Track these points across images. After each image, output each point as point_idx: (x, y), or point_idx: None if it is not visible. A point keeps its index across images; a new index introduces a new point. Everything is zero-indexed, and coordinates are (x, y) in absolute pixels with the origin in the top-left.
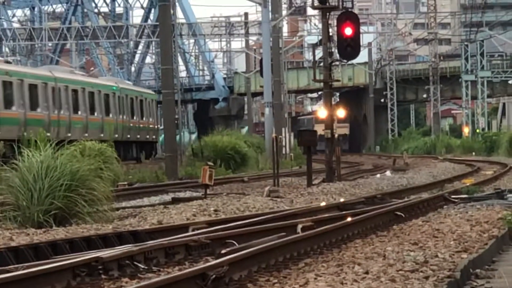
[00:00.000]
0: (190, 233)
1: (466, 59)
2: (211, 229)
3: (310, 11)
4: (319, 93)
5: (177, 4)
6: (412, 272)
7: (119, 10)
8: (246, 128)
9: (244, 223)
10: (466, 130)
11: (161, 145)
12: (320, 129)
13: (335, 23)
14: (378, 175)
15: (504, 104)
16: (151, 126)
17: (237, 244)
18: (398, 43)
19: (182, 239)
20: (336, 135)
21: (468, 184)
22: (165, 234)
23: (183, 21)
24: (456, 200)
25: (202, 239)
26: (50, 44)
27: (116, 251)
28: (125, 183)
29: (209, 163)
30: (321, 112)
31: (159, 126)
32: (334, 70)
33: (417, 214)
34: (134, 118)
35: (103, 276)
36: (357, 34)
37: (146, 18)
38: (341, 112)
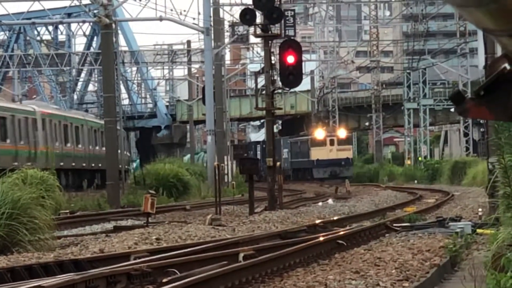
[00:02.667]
0: (132, 261)
1: (409, 87)
2: (153, 258)
3: (252, 39)
4: (262, 121)
5: (119, 32)
6: None
7: (61, 38)
8: (188, 156)
9: (186, 251)
10: (408, 160)
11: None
12: (318, 153)
13: (278, 51)
14: (320, 203)
15: (446, 132)
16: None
17: (178, 273)
18: (340, 71)
19: (124, 268)
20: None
21: (410, 212)
22: (107, 262)
23: (126, 49)
24: (398, 228)
25: (143, 267)
26: None
27: (58, 280)
28: (67, 211)
29: (151, 191)
30: (319, 132)
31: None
32: (277, 98)
33: (359, 242)
34: (97, 147)
35: None
36: (299, 62)
37: (88, 46)
38: (342, 132)
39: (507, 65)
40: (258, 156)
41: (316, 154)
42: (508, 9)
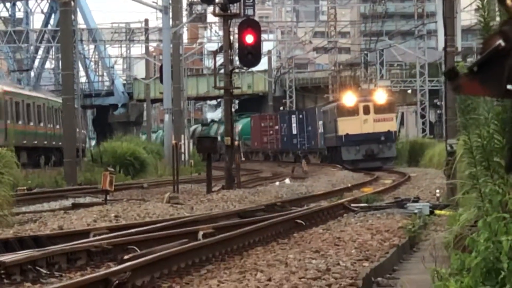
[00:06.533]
0: (92, 238)
1: (366, 68)
2: (113, 235)
3: (210, 18)
4: (219, 100)
5: (77, 9)
6: (315, 280)
7: (19, 14)
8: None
9: (145, 229)
10: None
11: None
12: (348, 126)
13: (236, 31)
14: (277, 183)
15: (402, 113)
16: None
17: (139, 250)
18: (298, 51)
19: (84, 245)
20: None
21: (367, 193)
22: (66, 239)
23: (83, 26)
24: (356, 209)
25: (104, 244)
26: None
27: (18, 256)
28: (24, 188)
29: (110, 168)
30: (348, 97)
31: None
32: (234, 78)
33: (317, 222)
34: (41, 124)
35: (5, 281)
36: (258, 42)
37: (46, 23)
38: (380, 96)
39: (501, 42)
40: (294, 130)
41: (345, 127)
42: None
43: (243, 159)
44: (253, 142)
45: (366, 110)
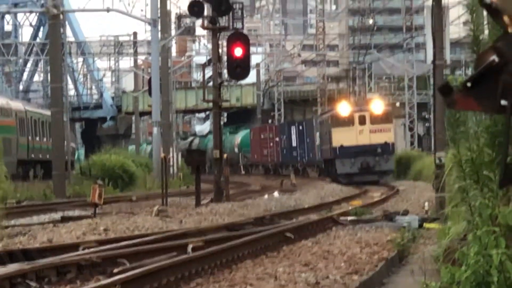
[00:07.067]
0: (81, 251)
1: (354, 81)
2: (102, 248)
3: (199, 31)
4: (207, 113)
5: (66, 22)
6: None
7: (8, 27)
8: (133, 146)
9: (134, 242)
10: None
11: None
12: (343, 137)
13: (224, 44)
14: (266, 196)
15: None
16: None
17: (128, 264)
18: (286, 64)
19: (74, 258)
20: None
21: (356, 206)
22: (56, 252)
23: (72, 39)
24: (345, 222)
25: (93, 258)
26: None
27: (8, 269)
28: (13, 201)
29: (99, 181)
30: (343, 106)
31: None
32: (222, 91)
33: (307, 235)
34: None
35: None
36: (247, 55)
37: (35, 36)
38: (377, 105)
39: (495, 57)
40: (294, 142)
41: (340, 138)
42: None
43: (243, 172)
44: (252, 155)
45: (362, 120)
